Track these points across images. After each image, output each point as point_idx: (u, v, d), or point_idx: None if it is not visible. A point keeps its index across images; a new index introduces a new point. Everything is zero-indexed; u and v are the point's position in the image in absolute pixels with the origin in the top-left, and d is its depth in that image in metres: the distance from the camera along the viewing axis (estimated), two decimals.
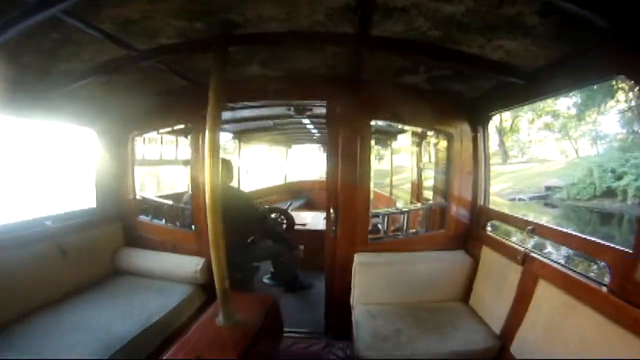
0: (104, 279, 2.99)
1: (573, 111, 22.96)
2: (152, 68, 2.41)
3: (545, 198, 17.80)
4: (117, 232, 3.34)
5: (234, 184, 5.86)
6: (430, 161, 4.47)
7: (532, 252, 2.27)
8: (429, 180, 4.43)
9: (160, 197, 3.87)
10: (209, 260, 2.86)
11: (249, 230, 3.57)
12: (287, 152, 8.35)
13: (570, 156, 24.46)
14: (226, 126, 5.31)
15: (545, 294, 2.01)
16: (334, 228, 2.90)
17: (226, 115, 4.23)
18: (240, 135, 6.12)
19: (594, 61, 1.74)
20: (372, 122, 2.96)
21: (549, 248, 6.81)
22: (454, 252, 2.91)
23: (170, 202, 3.57)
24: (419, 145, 4.73)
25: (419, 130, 4.43)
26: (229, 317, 1.89)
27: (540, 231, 2.28)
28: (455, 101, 2.93)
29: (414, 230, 3.38)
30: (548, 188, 18.15)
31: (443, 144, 3.24)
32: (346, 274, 2.82)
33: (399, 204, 5.96)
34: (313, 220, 5.07)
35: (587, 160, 18.62)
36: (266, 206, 4.17)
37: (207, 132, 1.79)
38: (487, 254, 2.67)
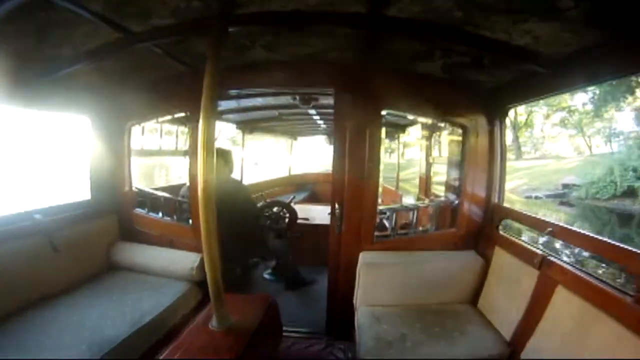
0: (99, 275, 2.92)
1: (589, 107, 22.39)
2: (148, 52, 2.27)
3: (562, 196, 17.26)
4: (113, 225, 3.26)
5: (237, 176, 5.82)
6: (440, 155, 4.34)
7: (551, 255, 2.13)
8: (438, 175, 4.29)
9: (158, 189, 3.77)
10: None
11: (249, 225, 3.49)
12: (291, 144, 8.21)
13: (583, 153, 24.02)
14: (230, 116, 5.20)
15: (563, 301, 1.90)
16: (338, 224, 2.78)
17: (230, 104, 4.15)
18: (244, 125, 6.00)
19: (630, 50, 1.59)
20: (383, 113, 2.81)
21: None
22: (465, 253, 2.79)
23: (167, 194, 3.46)
24: (428, 138, 4.57)
25: (429, 122, 4.27)
26: (224, 321, 1.78)
27: (560, 233, 2.15)
28: (471, 92, 2.77)
29: (422, 228, 3.25)
30: (565, 186, 17.66)
31: (456, 137, 3.09)
32: (350, 273, 2.71)
33: (406, 199, 5.80)
34: (317, 213, 4.94)
35: (604, 157, 18.14)
36: (267, 200, 4.04)
37: (200, 122, 1.68)
38: (500, 256, 2.55)
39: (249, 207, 3.40)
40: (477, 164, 2.82)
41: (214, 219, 1.73)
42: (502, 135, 2.78)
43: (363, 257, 2.70)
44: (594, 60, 1.82)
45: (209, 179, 1.72)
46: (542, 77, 2.17)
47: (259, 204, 3.85)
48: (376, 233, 2.87)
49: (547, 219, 2.37)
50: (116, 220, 3.28)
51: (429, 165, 4.64)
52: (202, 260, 2.69)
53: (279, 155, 8.67)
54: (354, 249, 2.76)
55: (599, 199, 15.89)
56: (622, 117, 21.77)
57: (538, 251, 2.22)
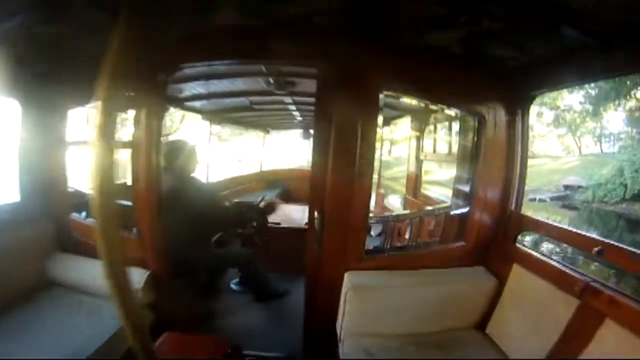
0: (32, 294, 2.46)
1: (583, 106, 22.47)
2: (89, 20, 1.78)
3: (564, 198, 16.57)
4: (48, 234, 2.73)
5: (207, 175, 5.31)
6: (435, 151, 3.96)
7: (596, 281, 1.74)
8: (430, 174, 3.93)
9: None
10: (156, 273, 2.37)
11: (211, 230, 3.06)
12: (264, 137, 7.72)
13: (572, 153, 24.35)
14: (195, 104, 4.66)
15: (614, 338, 1.55)
16: (318, 238, 2.26)
17: (195, 88, 3.61)
18: (211, 115, 5.45)
19: None
20: (380, 97, 2.25)
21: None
22: (473, 270, 2.39)
23: None
24: (419, 132, 4.19)
25: (421, 114, 3.89)
26: None
27: (615, 255, 1.75)
28: (491, 73, 2.29)
29: (423, 242, 2.78)
30: (567, 187, 17.00)
31: (467, 130, 2.65)
32: (332, 296, 2.26)
33: (391, 200, 5.42)
34: (290, 214, 4.51)
35: (608, 157, 17.52)
36: (234, 200, 3.56)
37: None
38: (521, 276, 2.14)
39: (213, 208, 2.94)
40: (493, 162, 2.36)
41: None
42: (525, 128, 2.33)
43: (350, 278, 2.21)
44: None
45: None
46: (587, 56, 1.77)
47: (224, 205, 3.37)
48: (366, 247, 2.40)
49: (592, 235, 1.94)
50: (53, 228, 2.74)
51: (419, 162, 4.23)
52: (150, 277, 2.41)
53: (272, 151, 8.17)
54: (338, 267, 2.27)
55: (606, 202, 15.18)
56: (618, 117, 21.88)
57: (577, 275, 1.82)
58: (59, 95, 2.61)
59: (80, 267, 2.59)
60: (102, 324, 2.17)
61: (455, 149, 3.40)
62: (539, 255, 2.15)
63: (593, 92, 21.09)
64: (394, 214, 3.32)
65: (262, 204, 3.44)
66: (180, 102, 4.05)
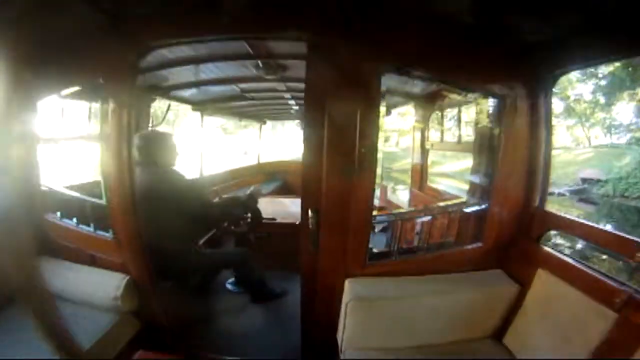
0: (8, 302, 2.22)
1: (593, 96, 21.82)
2: None
3: (582, 192, 15.87)
4: (24, 235, 2.46)
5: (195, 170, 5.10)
6: (442, 140, 3.68)
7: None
8: (438, 165, 3.65)
9: (72, 187, 2.93)
10: (135, 279, 2.24)
11: (197, 229, 2.85)
12: (260, 128, 7.41)
13: (582, 144, 23.86)
14: (183, 94, 4.39)
15: None
16: (313, 239, 2.00)
17: (178, 74, 3.34)
18: (201, 106, 5.18)
19: None
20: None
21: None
22: (490, 274, 2.14)
23: (79, 195, 2.62)
24: (424, 120, 3.91)
25: (426, 99, 3.60)
26: None
27: None
28: (508, 48, 1.98)
29: (435, 243, 2.45)
30: (584, 180, 16.30)
31: (483, 114, 2.36)
32: (332, 306, 2.02)
33: (400, 194, 5.15)
34: (288, 208, 4.29)
35: (620, 149, 17.00)
36: (224, 195, 3.32)
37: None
38: (546, 282, 1.90)
39: (195, 205, 2.77)
40: (514, 151, 2.09)
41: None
42: (549, 112, 2.04)
43: (351, 286, 1.97)
44: None
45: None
46: (619, 28, 1.52)
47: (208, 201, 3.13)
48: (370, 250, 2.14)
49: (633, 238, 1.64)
50: (30, 229, 2.45)
51: (425, 153, 3.95)
52: (130, 282, 2.23)
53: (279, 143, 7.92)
54: (338, 273, 2.03)
55: (627, 197, 14.60)
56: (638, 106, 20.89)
57: (616, 284, 1.58)
58: (25, 85, 2.33)
59: (58, 272, 2.38)
60: (79, 336, 1.90)
61: (465, 137, 3.13)
62: (568, 259, 1.89)
63: (604, 82, 20.50)
64: (401, 211, 2.99)
65: (243, 197, 3.21)
66: (164, 91, 3.78)
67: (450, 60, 1.96)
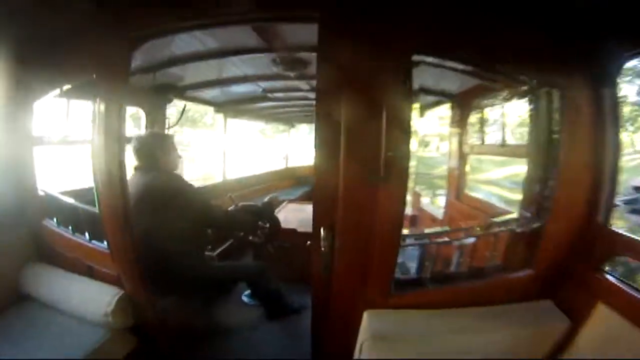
0: (3, 310, 2.24)
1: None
2: None
3: (634, 202, 15.13)
4: (23, 241, 2.47)
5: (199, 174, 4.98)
6: (483, 143, 3.27)
7: None
8: (479, 172, 3.25)
9: (69, 193, 2.81)
10: (130, 294, 2.08)
11: (202, 240, 2.67)
12: (289, 131, 7.29)
13: (625, 149, 22.44)
14: (204, 95, 4.26)
15: None
16: (326, 263, 1.68)
17: (198, 73, 3.22)
18: (224, 108, 5.05)
19: None
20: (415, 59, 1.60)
21: None
22: (537, 306, 1.77)
23: (74, 201, 2.50)
24: (461, 121, 3.52)
25: (464, 96, 3.22)
26: None
27: None
28: (562, 29, 1.59)
29: (475, 267, 2.03)
30: (637, 189, 15.49)
31: (539, 111, 1.95)
32: (347, 340, 1.71)
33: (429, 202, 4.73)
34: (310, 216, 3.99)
35: None
36: (239, 204, 3.10)
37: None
38: (607, 319, 1.54)
39: (205, 218, 2.61)
40: (576, 156, 1.71)
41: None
42: (616, 107, 1.66)
43: (370, 320, 1.64)
44: None
45: None
46: None
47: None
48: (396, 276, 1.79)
49: None
50: (28, 235, 2.48)
51: (463, 157, 3.57)
52: (124, 298, 2.09)
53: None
54: (355, 303, 1.71)
55: None
56: None
57: None
58: (21, 80, 2.25)
59: (54, 282, 2.32)
60: (67, 351, 1.93)
61: (511, 139, 2.73)
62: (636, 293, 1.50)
63: None
64: (437, 230, 2.55)
65: (261, 204, 2.99)
66: (180, 92, 3.63)
67: (495, 41, 1.60)
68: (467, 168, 3.54)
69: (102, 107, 1.87)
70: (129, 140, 2.48)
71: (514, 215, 2.15)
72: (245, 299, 3.30)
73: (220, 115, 5.16)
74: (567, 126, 1.69)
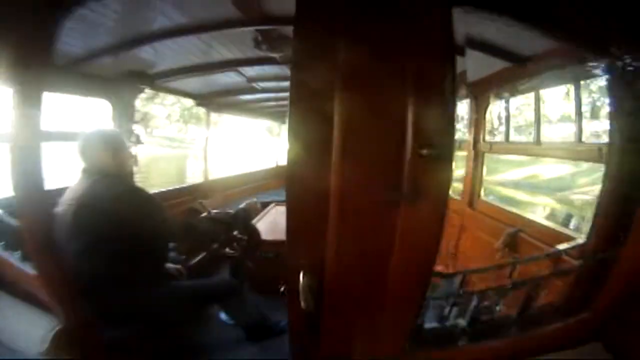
0: None
1: None
2: None
3: None
4: None
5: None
6: (507, 140, 2.85)
7: None
8: (497, 173, 2.84)
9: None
10: (68, 326, 1.71)
11: (159, 256, 2.35)
12: (279, 127, 7.02)
13: None
14: (181, 85, 3.89)
15: None
16: (309, 322, 1.13)
17: (172, 57, 2.88)
18: (208, 101, 4.63)
19: None
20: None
21: None
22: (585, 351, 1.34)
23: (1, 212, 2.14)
24: (477, 113, 3.09)
25: (480, 84, 2.82)
26: None
27: None
28: None
29: (519, 314, 1.48)
30: None
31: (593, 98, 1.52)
32: None
33: None
34: None
35: None
36: (213, 211, 2.70)
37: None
38: None
39: (162, 230, 2.23)
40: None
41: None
42: None
43: None
44: None
45: None
46: None
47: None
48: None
49: None
50: None
51: (479, 157, 3.14)
52: (60, 334, 1.72)
53: None
54: None
55: None
56: None
57: None
58: None
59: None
60: None
61: (548, 133, 2.31)
62: None
63: None
64: (481, 268, 2.00)
65: (233, 212, 2.62)
66: (151, 80, 3.23)
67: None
68: (484, 170, 3.12)
69: (18, 96, 1.48)
70: (73, 137, 2.19)
71: (579, 240, 1.70)
72: (223, 316, 2.97)
73: (202, 110, 4.78)
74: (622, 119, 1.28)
